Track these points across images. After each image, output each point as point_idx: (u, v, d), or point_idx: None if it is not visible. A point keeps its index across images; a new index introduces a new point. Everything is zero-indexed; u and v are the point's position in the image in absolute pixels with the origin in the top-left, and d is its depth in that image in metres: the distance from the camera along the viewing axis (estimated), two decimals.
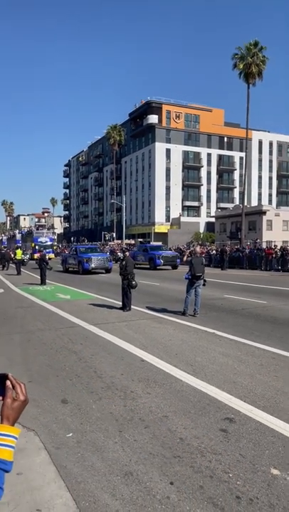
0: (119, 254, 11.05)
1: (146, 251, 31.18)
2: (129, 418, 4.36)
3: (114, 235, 63.96)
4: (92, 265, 24.74)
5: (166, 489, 3.08)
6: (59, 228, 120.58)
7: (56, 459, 3.55)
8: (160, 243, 41.87)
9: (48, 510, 2.84)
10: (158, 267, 28.76)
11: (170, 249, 34.95)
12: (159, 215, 65.95)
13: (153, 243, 44.18)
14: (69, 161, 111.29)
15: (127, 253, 12.52)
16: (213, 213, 64.45)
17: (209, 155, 70.10)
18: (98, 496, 3.00)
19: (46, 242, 50.54)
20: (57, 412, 4.57)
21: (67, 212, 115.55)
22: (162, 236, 58.57)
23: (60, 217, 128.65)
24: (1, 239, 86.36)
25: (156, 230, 62.43)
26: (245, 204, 46.20)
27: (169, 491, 3.05)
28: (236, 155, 70.91)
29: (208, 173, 70.24)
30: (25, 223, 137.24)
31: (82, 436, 3.96)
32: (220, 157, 71.00)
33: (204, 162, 69.59)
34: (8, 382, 1.14)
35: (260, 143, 72.70)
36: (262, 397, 4.91)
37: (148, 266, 29.66)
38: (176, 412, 4.52)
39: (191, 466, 3.39)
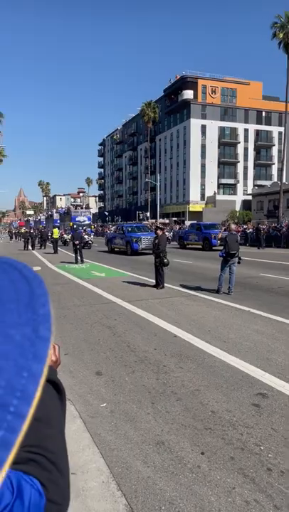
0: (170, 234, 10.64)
1: (199, 230, 27.86)
2: (162, 391, 4.43)
3: (149, 214, 63.73)
4: (142, 245, 22.39)
5: (197, 459, 3.13)
6: (94, 208, 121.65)
7: (91, 427, 3.67)
8: (195, 221, 40.73)
9: (83, 474, 2.96)
10: (214, 248, 25.02)
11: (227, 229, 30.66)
12: (194, 194, 64.99)
13: (188, 222, 43.52)
14: (103, 139, 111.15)
15: (160, 231, 12.45)
16: (249, 191, 62.81)
17: (246, 130, 67.87)
18: (131, 463, 3.10)
19: (84, 221, 50.96)
20: (91, 383, 4.71)
21: (101, 191, 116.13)
22: (197, 215, 57.82)
23: (95, 196, 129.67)
24: (40, 218, 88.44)
25: (190, 209, 61.70)
26: (284, 181, 44.68)
27: (200, 461, 3.10)
28: (275, 130, 68.25)
29: (245, 150, 68.17)
30: (61, 203, 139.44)
31: (116, 407, 4.07)
32: (257, 132, 68.58)
33: (241, 138, 67.51)
34: None
35: None
36: None
37: (201, 247, 26.86)
38: (209, 386, 4.54)
39: (222, 438, 3.42)
